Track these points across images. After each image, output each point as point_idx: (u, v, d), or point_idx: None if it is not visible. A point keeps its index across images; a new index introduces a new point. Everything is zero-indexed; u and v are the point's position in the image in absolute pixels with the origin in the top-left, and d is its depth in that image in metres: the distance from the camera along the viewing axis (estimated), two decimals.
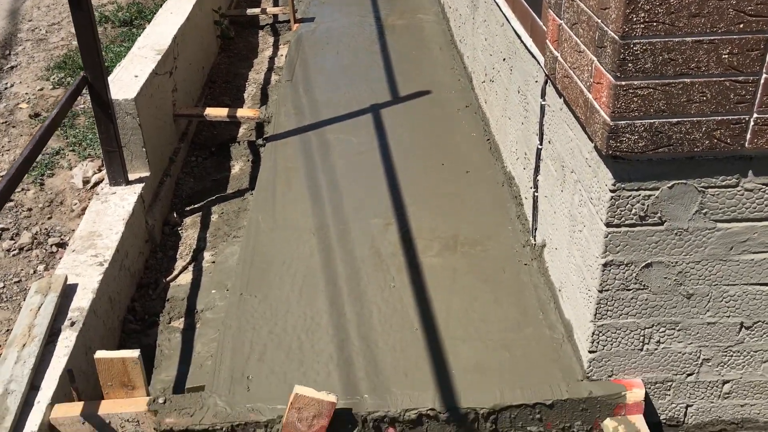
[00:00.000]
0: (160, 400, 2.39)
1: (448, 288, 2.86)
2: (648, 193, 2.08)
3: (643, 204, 2.08)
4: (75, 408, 2.39)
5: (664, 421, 2.48)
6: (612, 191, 2.07)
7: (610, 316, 2.27)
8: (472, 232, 3.17)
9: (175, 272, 3.42)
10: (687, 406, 2.45)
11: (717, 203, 2.09)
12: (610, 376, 2.38)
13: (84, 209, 3.72)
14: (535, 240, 2.97)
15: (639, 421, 2.36)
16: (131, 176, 3.62)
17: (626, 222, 2.12)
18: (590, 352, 2.34)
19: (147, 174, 3.67)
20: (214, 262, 3.43)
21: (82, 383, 2.59)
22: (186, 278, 3.37)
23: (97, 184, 3.90)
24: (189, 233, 3.70)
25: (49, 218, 3.73)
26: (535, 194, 2.90)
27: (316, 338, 2.65)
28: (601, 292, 2.22)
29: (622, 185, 2.06)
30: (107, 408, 2.39)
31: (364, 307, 2.79)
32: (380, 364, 2.53)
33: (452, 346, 2.58)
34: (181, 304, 3.20)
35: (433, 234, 3.18)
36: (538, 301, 2.75)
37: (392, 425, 2.36)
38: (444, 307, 2.76)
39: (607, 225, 2.12)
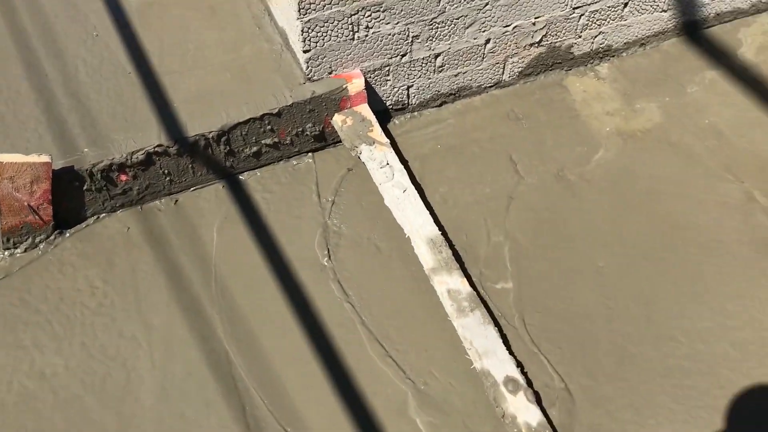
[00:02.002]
0: None
1: (158, 24, 2.63)
2: None
3: None
4: None
5: (391, 106, 2.60)
6: None
7: (315, 9, 2.22)
8: None
9: None
10: (408, 88, 2.57)
11: None
12: (330, 73, 2.40)
13: None
14: None
15: (364, 109, 2.45)
16: None
17: None
18: (305, 51, 2.31)
19: None
20: None
21: None
22: None
23: None
24: None
25: None
26: None
27: (18, 106, 2.37)
28: None
29: None
30: None
31: (68, 63, 2.51)
32: (96, 116, 2.35)
33: (171, 80, 2.44)
34: None
35: None
36: (253, 17, 2.62)
37: (123, 172, 2.26)
38: (156, 44, 2.56)
39: None
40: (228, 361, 2.03)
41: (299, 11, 2.20)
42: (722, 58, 2.83)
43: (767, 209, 2.34)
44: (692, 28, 2.90)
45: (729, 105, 2.66)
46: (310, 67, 2.36)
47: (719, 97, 2.69)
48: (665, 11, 2.78)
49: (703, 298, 2.14)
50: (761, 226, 2.30)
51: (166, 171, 2.32)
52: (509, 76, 2.71)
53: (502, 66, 2.67)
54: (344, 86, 2.39)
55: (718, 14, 2.90)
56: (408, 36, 2.41)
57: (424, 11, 2.37)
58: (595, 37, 2.73)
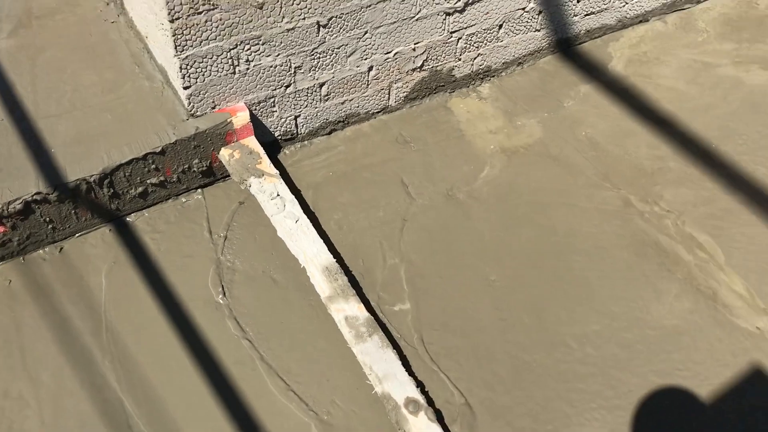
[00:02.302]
0: None
1: (30, 66, 2.54)
2: None
3: None
4: None
5: (280, 137, 2.60)
6: None
7: (192, 46, 2.20)
8: (48, 2, 2.80)
9: None
10: (295, 117, 2.58)
11: None
12: (213, 108, 2.38)
13: None
14: None
15: (251, 142, 2.44)
16: None
17: None
18: (185, 88, 2.29)
19: None
20: None
21: None
22: None
23: None
24: None
25: None
26: None
27: None
28: (173, 21, 2.12)
29: None
30: None
31: None
32: None
33: (47, 125, 2.36)
34: None
35: None
36: (132, 55, 2.58)
37: (0, 223, 2.17)
38: (30, 88, 2.47)
39: None
40: (123, 410, 1.96)
41: (176, 48, 2.18)
42: (595, 72, 2.99)
43: (643, 213, 2.48)
44: (565, 45, 3.05)
45: (603, 116, 2.81)
46: (192, 103, 2.33)
47: (594, 109, 2.83)
48: (539, 30, 2.92)
49: (590, 302, 2.24)
50: (639, 229, 2.43)
51: (47, 219, 2.23)
52: (395, 101, 2.77)
53: (387, 92, 2.72)
54: (229, 120, 2.37)
55: (588, 31, 3.07)
56: (290, 67, 2.43)
57: (305, 42, 2.39)
58: (474, 59, 2.83)
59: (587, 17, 2.99)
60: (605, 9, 3.01)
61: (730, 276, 2.31)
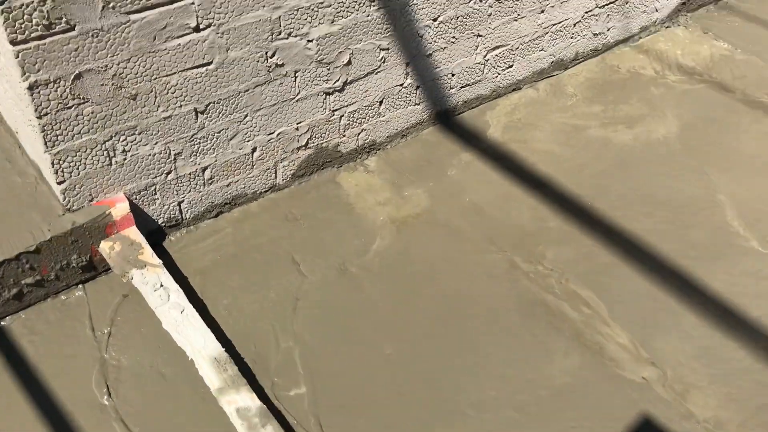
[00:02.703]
0: None
1: None
2: None
3: (42, 10, 1.92)
4: None
5: (164, 224, 2.55)
6: (1, 2, 1.85)
7: (63, 141, 2.15)
8: None
9: None
10: (179, 203, 2.55)
11: None
12: (91, 201, 2.32)
13: None
14: None
15: (132, 232, 2.38)
16: None
17: (33, 36, 1.94)
18: (59, 183, 2.22)
19: None
20: None
21: None
22: None
23: None
24: None
25: None
26: None
27: None
28: (41, 118, 2.07)
29: None
30: None
31: None
32: None
33: None
34: None
35: None
36: (3, 151, 2.49)
37: None
38: None
39: (13, 43, 1.92)
40: None
41: (46, 144, 2.12)
42: (474, 140, 3.11)
43: (529, 274, 2.56)
44: (445, 117, 3.17)
45: (485, 182, 2.91)
46: (67, 198, 2.26)
47: (476, 176, 2.94)
48: (418, 104, 3.02)
49: (484, 368, 2.27)
50: (525, 290, 2.50)
51: None
52: (283, 180, 2.78)
53: (273, 171, 2.73)
54: (107, 212, 2.31)
55: (465, 102, 3.21)
56: (170, 154, 2.40)
57: (183, 129, 2.38)
58: (359, 134, 2.89)
59: (463, 89, 3.13)
60: (479, 80, 3.17)
61: (614, 329, 2.40)
